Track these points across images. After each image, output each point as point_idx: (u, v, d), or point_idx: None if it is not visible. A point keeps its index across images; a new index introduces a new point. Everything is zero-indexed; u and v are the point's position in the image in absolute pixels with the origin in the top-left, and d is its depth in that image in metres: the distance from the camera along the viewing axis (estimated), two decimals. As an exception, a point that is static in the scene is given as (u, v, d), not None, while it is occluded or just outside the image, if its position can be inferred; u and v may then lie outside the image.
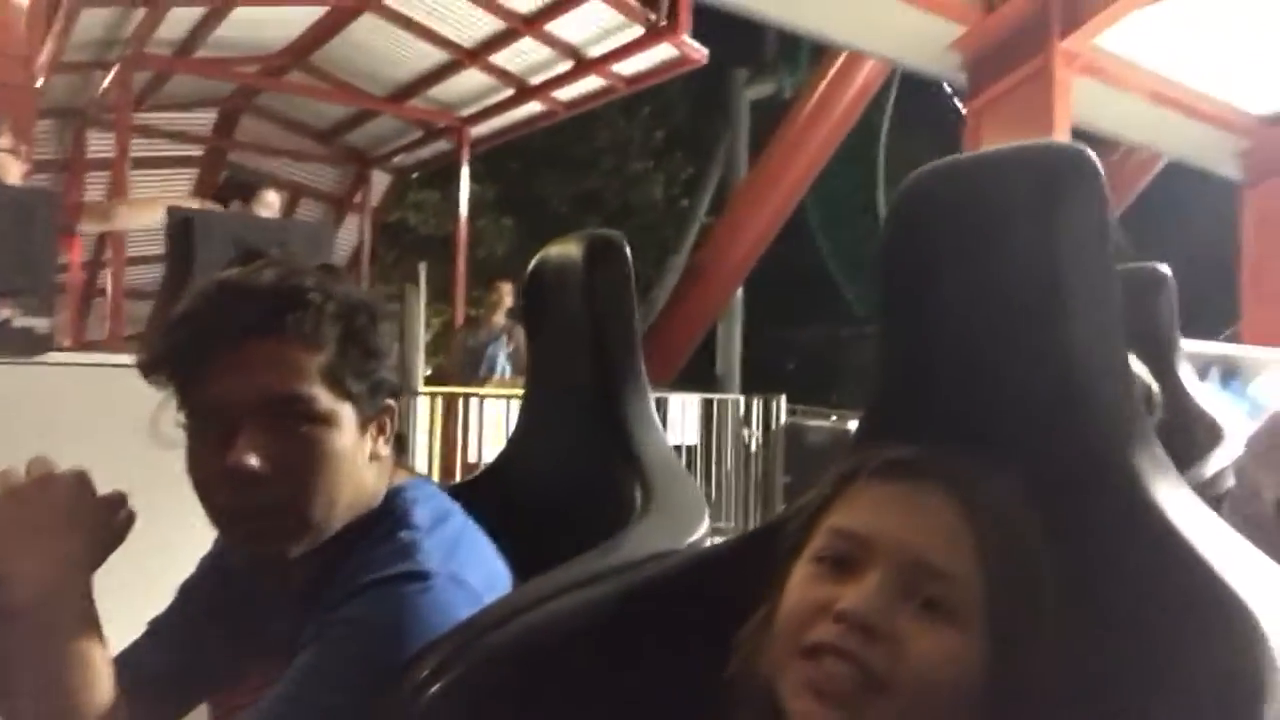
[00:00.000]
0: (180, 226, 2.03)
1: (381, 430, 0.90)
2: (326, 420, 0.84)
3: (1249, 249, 6.18)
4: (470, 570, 0.85)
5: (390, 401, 0.91)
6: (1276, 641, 0.48)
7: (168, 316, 0.88)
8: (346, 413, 0.85)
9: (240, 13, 4.44)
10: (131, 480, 1.18)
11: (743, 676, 0.64)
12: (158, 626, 1.02)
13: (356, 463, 0.87)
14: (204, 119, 6.09)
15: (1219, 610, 0.50)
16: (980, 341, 0.66)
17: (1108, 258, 0.61)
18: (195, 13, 4.44)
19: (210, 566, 1.03)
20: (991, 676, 0.57)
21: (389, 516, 0.88)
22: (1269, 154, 6.00)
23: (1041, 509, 0.59)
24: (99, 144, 5.42)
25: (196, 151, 6.31)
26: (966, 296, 0.66)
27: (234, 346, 0.81)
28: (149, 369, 0.85)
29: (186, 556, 1.16)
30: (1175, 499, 0.56)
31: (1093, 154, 0.61)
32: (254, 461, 0.80)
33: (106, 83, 4.72)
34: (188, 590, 1.03)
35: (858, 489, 0.65)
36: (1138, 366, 1.61)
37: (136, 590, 1.12)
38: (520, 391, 1.19)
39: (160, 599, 1.09)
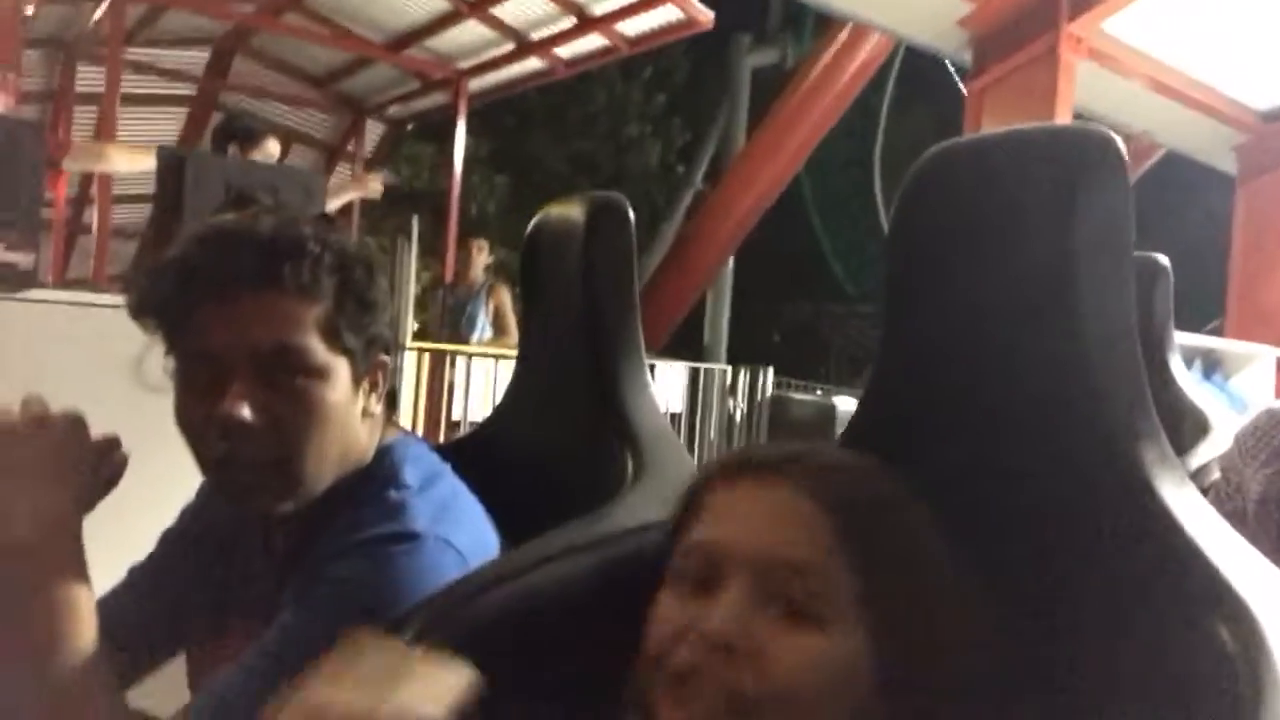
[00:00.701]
0: (171, 167, 1.99)
1: (374, 386, 0.89)
2: (321, 374, 0.82)
3: (1238, 243, 6.18)
4: (458, 532, 0.84)
5: (384, 357, 0.89)
6: (1276, 641, 0.47)
7: (156, 257, 0.86)
8: (341, 367, 0.84)
9: (237, -50, 4.35)
10: (116, 422, 1.15)
11: (634, 705, 0.62)
12: (137, 575, 1.00)
13: (349, 419, 0.86)
14: (197, 58, 5.96)
15: (1220, 608, 0.50)
16: (989, 327, 0.65)
17: (1126, 240, 0.59)
18: (191, -52, 4.34)
19: (192, 517, 1.02)
20: (879, 668, 0.55)
21: (379, 475, 0.87)
22: (1265, 150, 5.99)
23: (1045, 502, 0.58)
24: (88, 78, 5.30)
25: (189, 90, 6.19)
26: (977, 281, 0.65)
27: (230, 295, 0.80)
28: (138, 311, 0.83)
29: (172, 502, 1.15)
30: (1180, 496, 0.56)
31: (1118, 137, 0.60)
32: (246, 413, 0.78)
33: (98, 15, 4.61)
34: (169, 539, 1.02)
35: (709, 497, 0.63)
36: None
37: (122, 536, 1.10)
38: (507, 351, 1.17)
39: (145, 545, 1.07)
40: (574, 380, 1.04)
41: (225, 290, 0.80)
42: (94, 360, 1.81)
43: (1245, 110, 5.92)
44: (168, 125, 6.26)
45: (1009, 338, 0.63)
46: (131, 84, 5.31)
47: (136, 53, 5.31)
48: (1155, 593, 0.53)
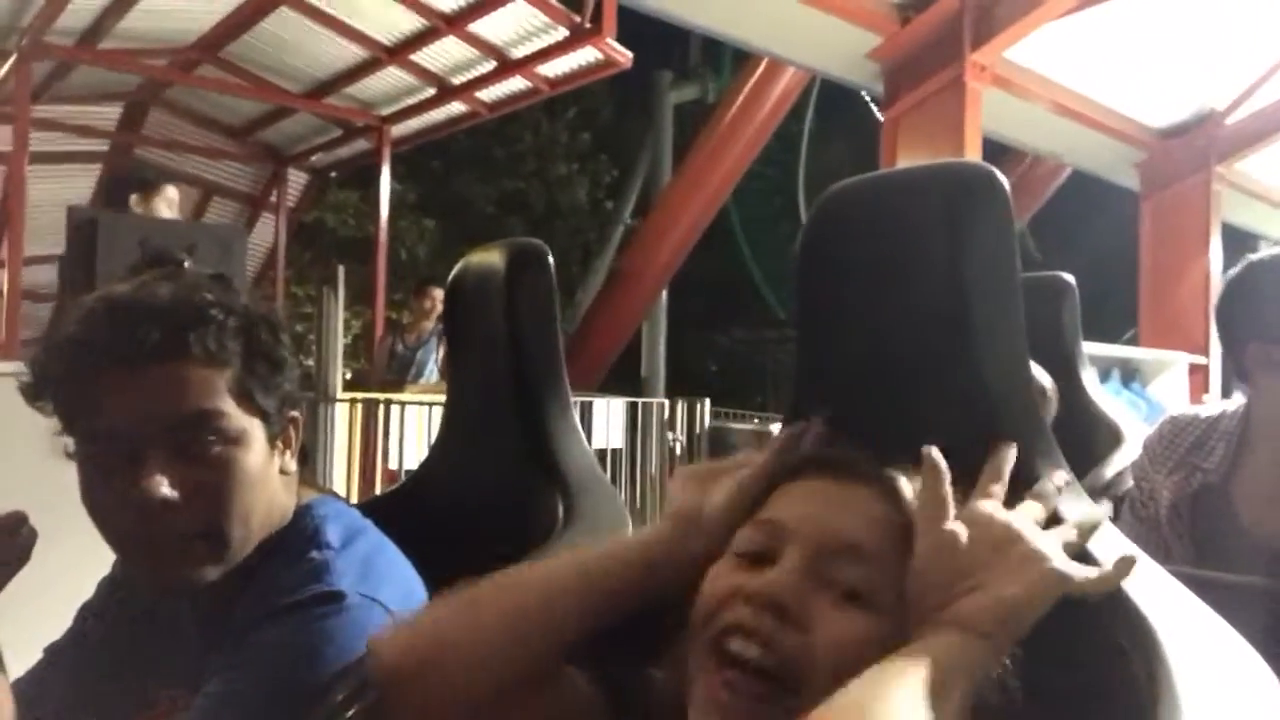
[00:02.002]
0: (82, 227, 1.95)
1: (288, 444, 0.88)
2: (237, 439, 0.81)
3: (1146, 256, 6.46)
4: (384, 589, 0.83)
5: (294, 413, 0.89)
6: (1171, 649, 0.50)
7: (54, 335, 0.83)
8: (257, 430, 0.83)
9: (148, 2, 4.28)
10: (31, 492, 1.12)
11: (665, 692, 0.63)
12: (56, 653, 0.97)
13: (268, 479, 0.85)
14: (109, 113, 5.84)
15: (1119, 618, 0.53)
16: (891, 355, 0.68)
17: (1013, 272, 0.63)
18: (100, 1, 4.26)
19: (110, 588, 0.99)
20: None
21: (299, 535, 0.86)
22: (1164, 166, 6.29)
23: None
24: (-6, 137, 5.16)
25: (101, 146, 6.06)
26: (878, 311, 0.67)
27: (134, 371, 0.77)
28: (35, 393, 0.80)
29: (92, 574, 1.11)
30: (1077, 511, 0.59)
31: (998, 172, 0.63)
32: (166, 490, 0.77)
33: (3, 73, 4.50)
34: (87, 613, 0.99)
35: (783, 486, 0.64)
36: (1035, 369, 1.68)
37: (40, 612, 1.07)
38: (442, 396, 1.18)
39: (65, 621, 1.04)
40: (501, 425, 1.04)
41: (129, 366, 0.77)
42: (7, 429, 1.74)
43: (1144, 129, 6.22)
44: (80, 182, 6.10)
45: (912, 375, 0.65)
46: (40, 141, 5.18)
47: (44, 109, 5.18)
48: (1059, 605, 0.55)
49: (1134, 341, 6.08)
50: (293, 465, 0.89)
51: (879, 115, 5.75)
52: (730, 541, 0.63)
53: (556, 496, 0.95)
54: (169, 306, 0.79)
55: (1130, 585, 0.54)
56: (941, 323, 0.59)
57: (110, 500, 0.79)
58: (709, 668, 0.57)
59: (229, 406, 0.81)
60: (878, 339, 0.68)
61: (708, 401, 5.42)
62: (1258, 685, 0.49)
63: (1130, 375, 4.85)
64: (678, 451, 5.21)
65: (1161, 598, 0.55)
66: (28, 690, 0.89)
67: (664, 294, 10.93)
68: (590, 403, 4.78)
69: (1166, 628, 0.51)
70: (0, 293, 4.62)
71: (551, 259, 1.06)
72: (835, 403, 0.73)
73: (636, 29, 4.65)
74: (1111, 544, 0.59)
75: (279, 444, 0.87)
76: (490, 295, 1.05)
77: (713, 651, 0.57)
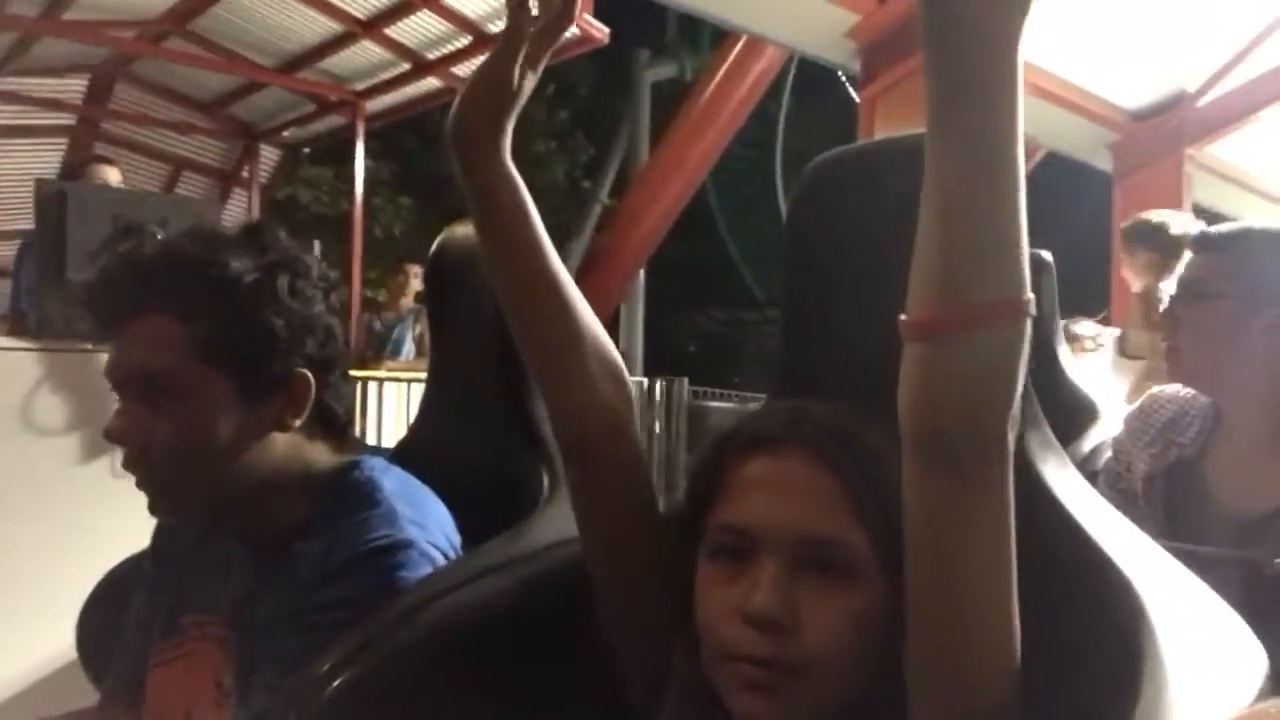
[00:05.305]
0: (51, 200, 1.91)
1: (293, 401, 0.88)
2: (186, 393, 0.83)
3: (1119, 236, 6.52)
4: (438, 538, 0.87)
5: (301, 370, 0.88)
6: (1153, 611, 0.51)
7: (43, 293, 0.87)
8: (219, 384, 0.84)
9: (115, -26, 4.20)
10: (4, 464, 1.11)
11: (685, 673, 0.67)
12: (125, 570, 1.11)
13: (239, 433, 0.85)
14: (75, 86, 5.72)
15: (1103, 582, 0.53)
16: (876, 320, 0.68)
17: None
18: (65, -28, 4.17)
19: (154, 538, 1.05)
20: (891, 606, 0.61)
21: (357, 486, 0.89)
22: (1136, 148, 6.34)
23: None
24: (-44, 110, 5.05)
25: (69, 120, 5.94)
26: (862, 276, 0.68)
27: (126, 321, 0.83)
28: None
29: (63, 543, 1.11)
30: (1063, 478, 0.59)
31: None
32: (121, 433, 0.81)
33: (-36, 44, 4.40)
34: (154, 537, 1.05)
35: (731, 474, 0.67)
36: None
37: (14, 575, 1.06)
38: (420, 374, 1.18)
39: (37, 584, 1.06)
40: (486, 397, 1.04)
41: (121, 318, 0.83)
42: None
43: (1117, 110, 6.26)
44: (48, 157, 5.99)
45: (895, 328, 0.65)
46: (7, 115, 5.07)
47: (8, 82, 5.07)
48: (1042, 569, 0.55)
49: (1106, 323, 6.14)
50: (295, 421, 0.88)
51: (855, 95, 5.75)
52: (699, 540, 0.68)
53: (541, 467, 0.95)
54: (148, 262, 0.83)
55: (1109, 545, 0.55)
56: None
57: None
58: (731, 688, 0.62)
59: (182, 362, 0.82)
60: (863, 301, 0.68)
61: (685, 381, 5.42)
62: (1236, 640, 0.50)
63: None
64: (656, 430, 5.23)
65: (1141, 559, 0.56)
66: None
67: (641, 274, 10.91)
68: (568, 381, 4.77)
69: (1147, 586, 0.52)
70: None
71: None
72: (820, 383, 0.73)
73: (613, 5, 4.61)
74: (1094, 511, 0.59)
75: (272, 400, 0.87)
76: (473, 267, 1.04)
77: (732, 668, 0.62)
